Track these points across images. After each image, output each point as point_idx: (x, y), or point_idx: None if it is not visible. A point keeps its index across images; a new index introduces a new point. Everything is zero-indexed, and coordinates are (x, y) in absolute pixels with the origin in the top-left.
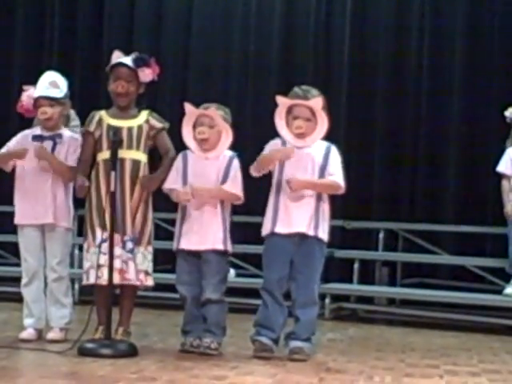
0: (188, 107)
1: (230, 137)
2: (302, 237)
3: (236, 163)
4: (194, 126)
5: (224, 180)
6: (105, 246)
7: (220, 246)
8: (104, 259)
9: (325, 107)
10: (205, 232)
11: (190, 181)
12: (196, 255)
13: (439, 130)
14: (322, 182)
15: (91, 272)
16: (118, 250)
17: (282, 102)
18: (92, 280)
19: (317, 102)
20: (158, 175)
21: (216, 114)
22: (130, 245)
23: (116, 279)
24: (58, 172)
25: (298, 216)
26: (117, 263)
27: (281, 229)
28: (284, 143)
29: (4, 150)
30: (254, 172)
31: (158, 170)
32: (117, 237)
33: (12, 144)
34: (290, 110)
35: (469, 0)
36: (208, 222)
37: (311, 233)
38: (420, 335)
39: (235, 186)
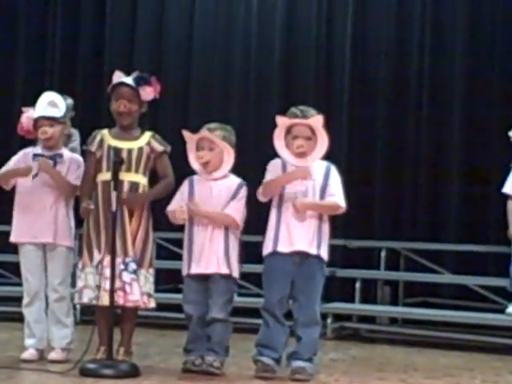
0: (186, 134)
1: (232, 156)
2: (304, 256)
3: (243, 192)
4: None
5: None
6: (100, 267)
7: (225, 270)
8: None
9: (323, 126)
10: (210, 256)
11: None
12: (204, 277)
13: (441, 148)
14: (325, 203)
15: (84, 291)
16: (108, 272)
17: (282, 122)
18: (85, 299)
19: (316, 120)
20: (143, 195)
21: (213, 136)
22: (133, 265)
23: (106, 301)
24: (60, 186)
25: (300, 235)
26: (108, 284)
27: (283, 248)
28: (284, 163)
29: (4, 169)
30: (263, 197)
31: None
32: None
33: (12, 162)
34: (288, 131)
35: (469, 18)
36: (213, 245)
37: (313, 252)
38: (422, 355)
39: (236, 213)
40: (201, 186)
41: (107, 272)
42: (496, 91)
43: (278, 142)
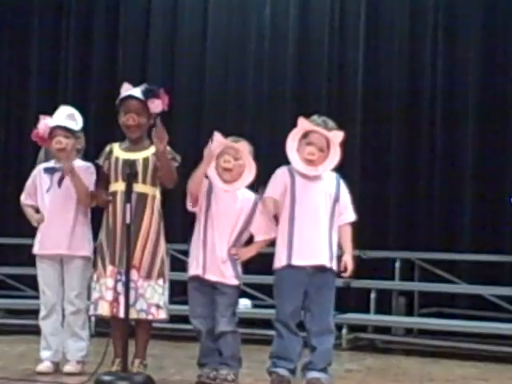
0: (217, 136)
1: (253, 173)
2: (318, 268)
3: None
4: (217, 157)
5: (247, 224)
6: (109, 281)
7: (235, 282)
8: (110, 293)
9: (342, 143)
10: (221, 267)
11: (212, 208)
12: (210, 287)
13: (455, 160)
14: (350, 238)
15: (100, 303)
16: (111, 282)
17: (303, 125)
18: (100, 311)
19: (337, 135)
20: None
21: (245, 147)
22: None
23: (106, 311)
24: (79, 191)
25: (315, 248)
26: (108, 295)
27: (297, 261)
28: (291, 172)
29: (23, 196)
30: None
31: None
32: (114, 269)
33: (29, 183)
34: (304, 136)
35: (483, 28)
36: (223, 257)
37: (327, 264)
38: (438, 365)
39: (266, 233)
40: (221, 192)
41: (109, 282)
42: (509, 101)
43: (291, 143)
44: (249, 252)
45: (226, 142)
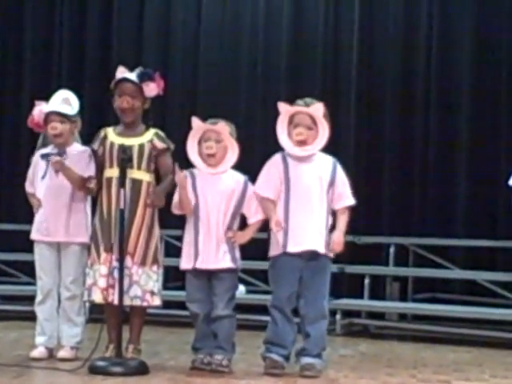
0: (196, 122)
1: (236, 153)
2: (313, 254)
3: (251, 188)
4: (199, 142)
5: (239, 205)
6: (103, 268)
7: (232, 265)
8: (103, 280)
9: (326, 116)
10: (216, 252)
11: (200, 197)
12: (207, 273)
13: (449, 144)
14: (345, 220)
15: (93, 289)
16: (104, 269)
17: (283, 109)
18: (94, 297)
19: (317, 108)
20: (160, 188)
21: (224, 129)
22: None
23: (99, 298)
24: (72, 182)
25: (310, 233)
26: (101, 282)
27: (292, 248)
28: (284, 158)
29: (26, 184)
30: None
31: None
32: (109, 256)
33: (30, 171)
34: (291, 121)
35: (476, 17)
36: (218, 241)
37: (322, 250)
38: (432, 350)
39: (259, 213)
40: (204, 180)
41: (102, 269)
42: (503, 92)
43: (280, 130)
44: (245, 236)
45: (206, 126)
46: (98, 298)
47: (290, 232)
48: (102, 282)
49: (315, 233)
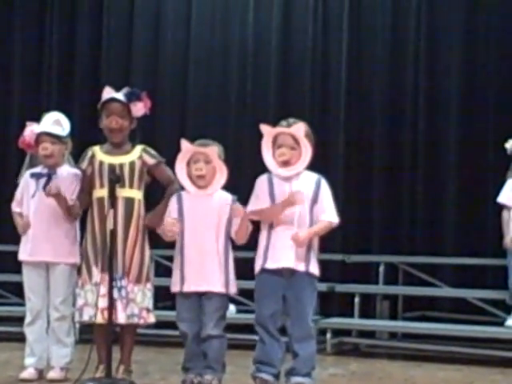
0: (184, 144)
1: (225, 175)
2: (292, 272)
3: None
4: (188, 163)
5: (229, 224)
6: (102, 288)
7: (221, 289)
8: (101, 299)
9: (309, 135)
10: (206, 275)
11: (186, 221)
12: (196, 293)
13: (437, 161)
14: (320, 227)
15: (85, 309)
16: (103, 290)
17: (266, 130)
18: (86, 318)
19: (298, 128)
20: (158, 210)
21: (213, 151)
22: (119, 283)
23: (99, 319)
24: (63, 212)
25: (286, 251)
26: (101, 302)
27: (271, 264)
28: (270, 178)
29: (13, 204)
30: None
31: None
32: (107, 276)
33: (18, 190)
34: (275, 141)
35: (465, 27)
36: (209, 264)
37: (301, 268)
38: (422, 369)
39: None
40: (192, 202)
41: (101, 290)
42: (491, 104)
43: (265, 151)
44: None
45: (195, 148)
46: (98, 318)
47: (270, 249)
48: (102, 302)
49: (294, 252)
